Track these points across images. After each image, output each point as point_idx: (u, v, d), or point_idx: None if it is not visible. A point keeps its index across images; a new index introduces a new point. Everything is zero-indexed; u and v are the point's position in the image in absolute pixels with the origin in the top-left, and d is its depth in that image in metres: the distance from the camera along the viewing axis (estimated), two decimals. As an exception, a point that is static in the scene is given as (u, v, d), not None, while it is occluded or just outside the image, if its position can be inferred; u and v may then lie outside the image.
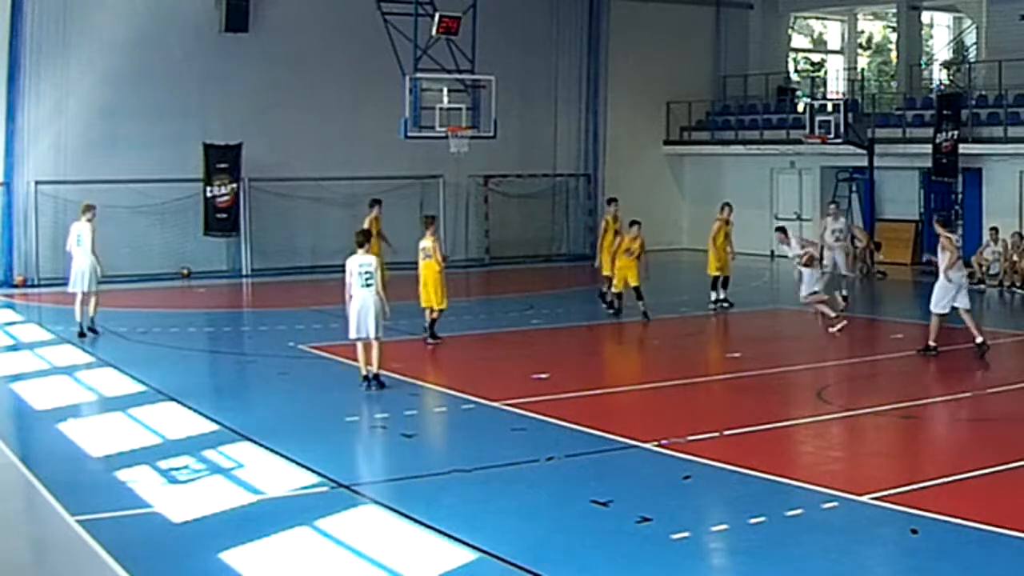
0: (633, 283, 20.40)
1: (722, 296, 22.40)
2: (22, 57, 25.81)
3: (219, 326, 21.53)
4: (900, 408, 13.68)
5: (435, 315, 18.17)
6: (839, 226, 23.38)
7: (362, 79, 28.60)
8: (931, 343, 17.10)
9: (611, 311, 21.04)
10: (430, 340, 18.17)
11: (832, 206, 24.81)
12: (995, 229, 26.04)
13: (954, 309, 17.02)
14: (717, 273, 22.42)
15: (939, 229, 17.69)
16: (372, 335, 14.59)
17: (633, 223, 20.65)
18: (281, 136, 28.56)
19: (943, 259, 17.09)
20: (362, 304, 14.55)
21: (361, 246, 14.77)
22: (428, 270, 18.04)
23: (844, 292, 22.63)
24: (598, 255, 21.85)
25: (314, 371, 16.52)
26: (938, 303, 17.05)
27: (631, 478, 10.96)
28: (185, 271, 27.71)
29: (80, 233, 18.92)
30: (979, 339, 16.90)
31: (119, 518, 9.62)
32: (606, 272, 21.34)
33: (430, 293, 18.02)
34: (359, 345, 14.74)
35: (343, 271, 14.78)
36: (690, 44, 34.98)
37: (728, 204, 23.24)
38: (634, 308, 20.64)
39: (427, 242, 18.09)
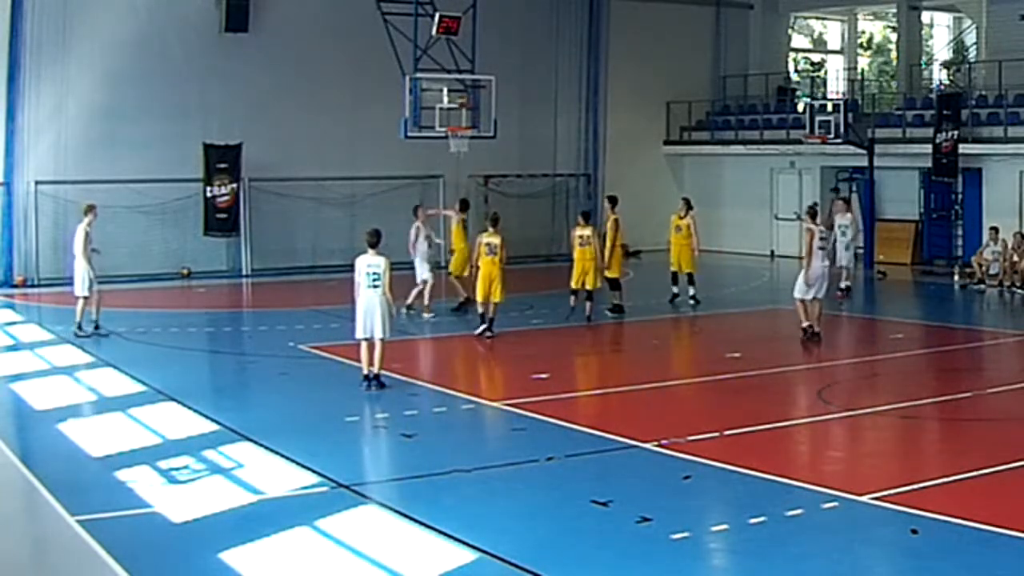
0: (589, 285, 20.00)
1: (674, 291, 22.60)
2: (22, 57, 25.76)
3: (219, 326, 21.51)
4: (900, 408, 13.69)
5: (493, 310, 18.55)
6: (845, 222, 23.85)
7: (362, 79, 28.56)
8: (805, 325, 18.12)
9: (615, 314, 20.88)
10: (488, 334, 18.51)
11: (840, 202, 25.23)
12: (995, 229, 26.02)
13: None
14: (673, 268, 22.68)
15: (806, 219, 18.73)
16: (377, 335, 14.58)
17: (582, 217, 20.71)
18: (281, 136, 28.53)
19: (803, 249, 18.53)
20: (368, 304, 14.53)
21: (373, 246, 14.62)
22: (493, 266, 18.43)
23: (847, 283, 22.97)
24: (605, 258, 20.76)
25: (314, 371, 16.50)
26: (800, 290, 18.13)
27: (631, 478, 10.95)
28: (185, 271, 27.69)
29: (76, 236, 19.00)
30: (806, 324, 18.06)
31: (119, 518, 9.61)
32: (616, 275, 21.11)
33: (492, 287, 18.39)
34: (363, 345, 14.73)
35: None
36: (690, 44, 34.97)
37: (683, 199, 23.58)
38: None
39: (495, 239, 18.55)
